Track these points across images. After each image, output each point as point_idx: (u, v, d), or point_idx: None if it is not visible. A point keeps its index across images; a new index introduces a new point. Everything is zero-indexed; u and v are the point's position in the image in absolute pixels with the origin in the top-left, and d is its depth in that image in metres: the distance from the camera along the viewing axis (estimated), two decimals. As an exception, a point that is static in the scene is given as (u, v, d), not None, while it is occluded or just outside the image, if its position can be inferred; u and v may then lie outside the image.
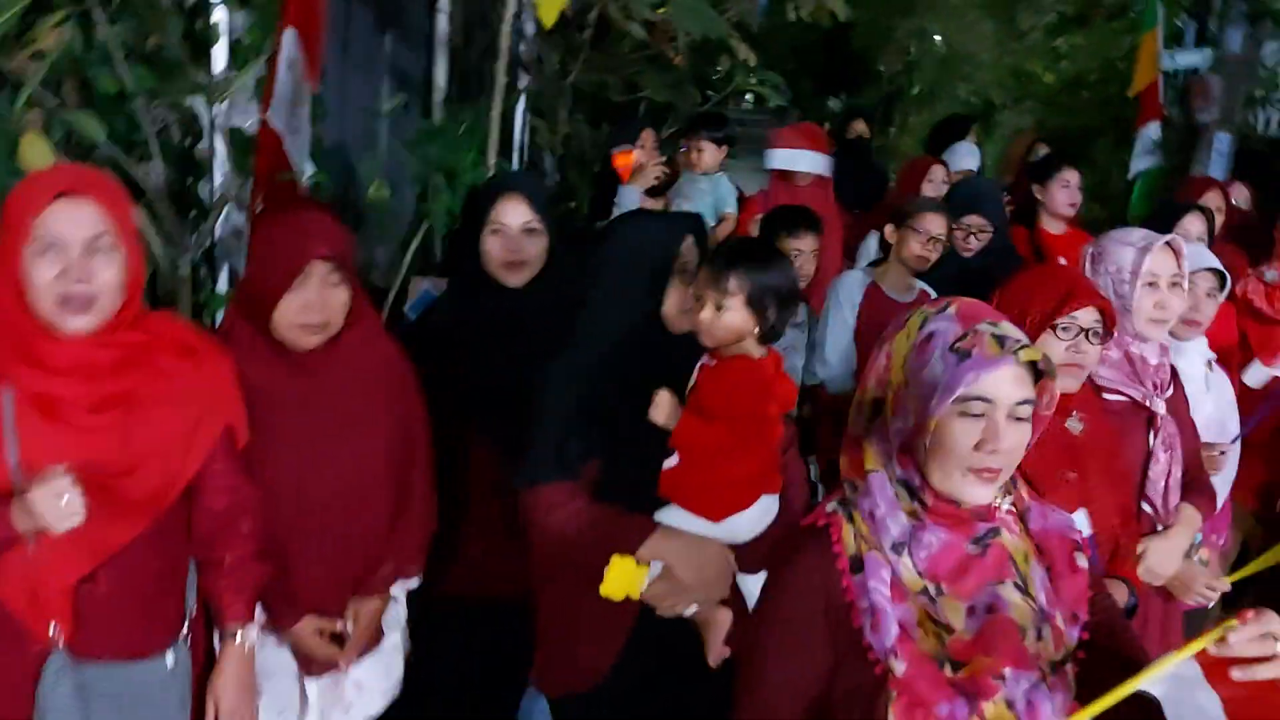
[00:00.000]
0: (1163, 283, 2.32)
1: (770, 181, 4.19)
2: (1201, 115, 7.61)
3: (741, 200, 4.34)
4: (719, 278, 1.99)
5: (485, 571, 2.30)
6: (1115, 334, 2.33)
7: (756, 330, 2.01)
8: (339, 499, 2.04)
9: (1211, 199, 3.98)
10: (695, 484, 1.96)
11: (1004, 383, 1.31)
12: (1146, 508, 2.30)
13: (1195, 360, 2.77)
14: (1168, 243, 2.32)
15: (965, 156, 5.48)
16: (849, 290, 3.24)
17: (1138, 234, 2.37)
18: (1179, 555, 2.27)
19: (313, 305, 1.96)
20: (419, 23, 5.38)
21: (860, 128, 6.02)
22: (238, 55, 2.91)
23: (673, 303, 2.04)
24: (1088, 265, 2.40)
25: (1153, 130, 7.71)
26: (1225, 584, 2.34)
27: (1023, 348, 1.32)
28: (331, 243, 1.99)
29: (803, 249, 3.16)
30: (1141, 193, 7.80)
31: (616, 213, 3.83)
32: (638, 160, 3.95)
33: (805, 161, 3.98)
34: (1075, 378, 2.03)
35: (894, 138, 18.71)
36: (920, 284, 3.34)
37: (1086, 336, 2.02)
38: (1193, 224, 3.22)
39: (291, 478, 2.00)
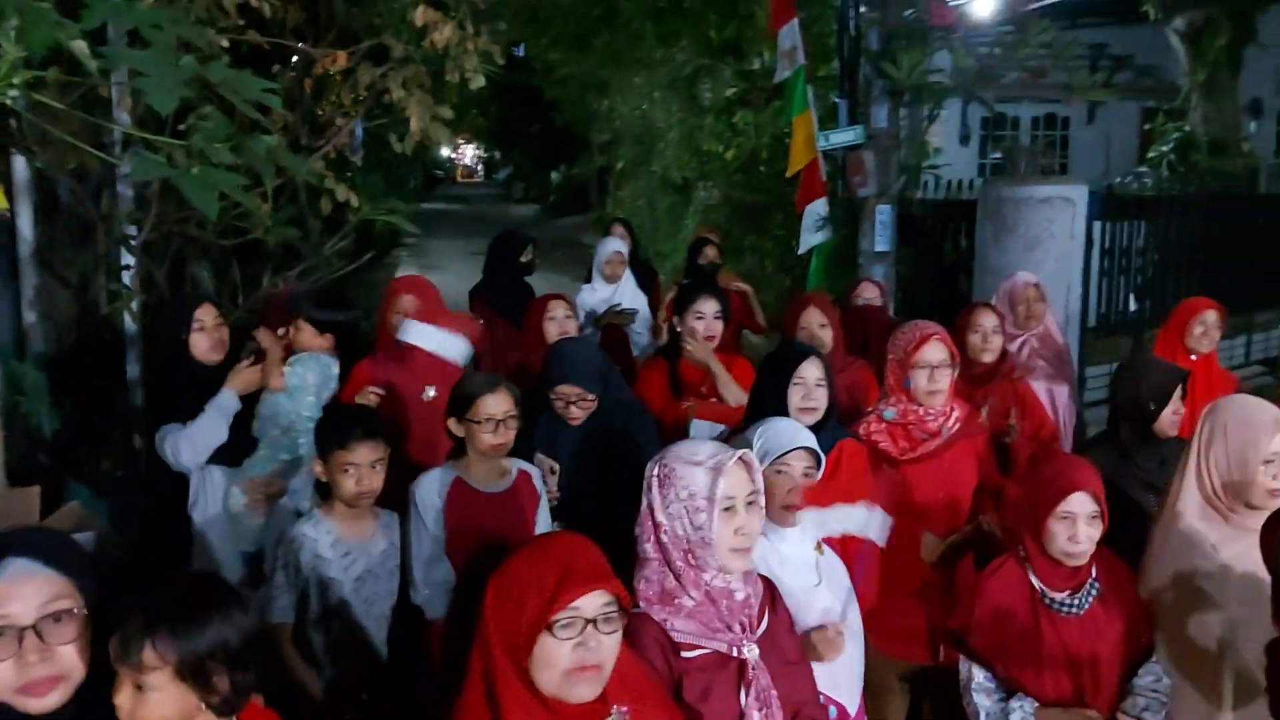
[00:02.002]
0: (740, 504, 1.98)
1: (379, 347, 3.61)
2: (860, 190, 7.82)
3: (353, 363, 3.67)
4: (130, 648, 1.45)
5: None
6: (697, 569, 1.98)
7: (203, 707, 1.49)
8: None
9: (813, 317, 3.85)
10: None
11: None
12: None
13: (803, 546, 2.48)
14: (740, 458, 2.00)
15: (614, 245, 5.43)
16: (427, 494, 2.76)
17: (705, 450, 2.02)
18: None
19: None
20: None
21: (531, 253, 5.66)
22: None
23: None
24: (655, 489, 2.03)
25: (819, 207, 7.91)
26: None
27: None
28: None
29: (358, 462, 2.65)
30: (818, 265, 7.99)
31: (210, 415, 3.15)
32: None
33: (452, 348, 3.47)
34: (590, 684, 1.60)
35: (609, 207, 19.04)
36: (517, 463, 2.92)
37: (595, 627, 1.61)
38: (811, 371, 2.99)
39: None
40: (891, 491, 3.08)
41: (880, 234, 8.01)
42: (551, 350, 3.28)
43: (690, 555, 1.96)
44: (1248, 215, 9.41)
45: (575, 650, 1.58)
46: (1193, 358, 4.14)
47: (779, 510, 2.41)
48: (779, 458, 2.45)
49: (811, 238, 7.92)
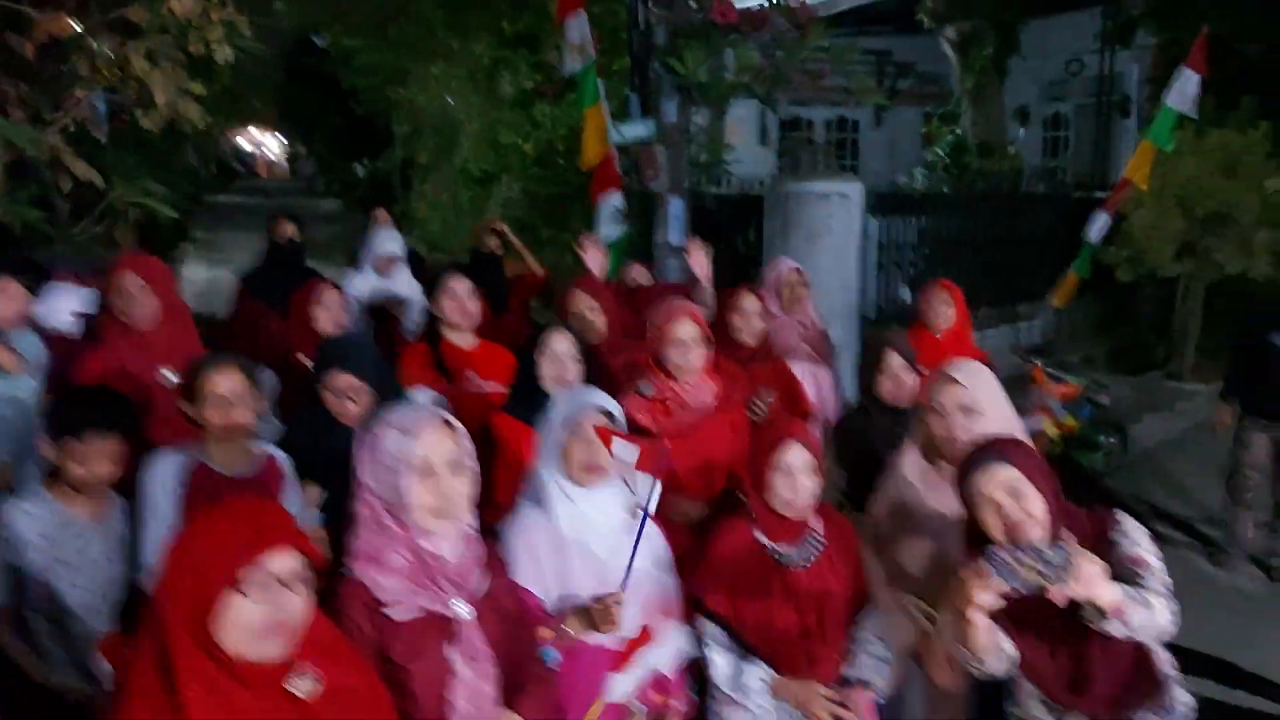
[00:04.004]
0: (440, 467, 1.99)
1: (105, 330, 3.36)
2: (652, 183, 7.98)
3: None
4: None
5: None
6: (403, 529, 1.98)
7: None
8: None
9: (581, 302, 3.93)
10: None
11: None
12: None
13: (613, 509, 2.49)
14: (443, 421, 2.00)
15: (386, 242, 5.28)
16: (162, 477, 2.62)
17: (409, 414, 2.03)
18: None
19: None
20: None
21: (289, 230, 5.45)
22: None
23: None
24: (362, 451, 2.02)
25: (615, 199, 8.00)
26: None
27: None
28: None
29: (91, 452, 2.53)
30: (615, 256, 8.09)
31: None
32: None
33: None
34: (279, 643, 1.58)
35: (414, 203, 18.66)
36: (267, 448, 2.82)
37: (286, 585, 1.58)
38: (560, 344, 3.07)
39: None
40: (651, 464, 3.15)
41: (673, 227, 8.20)
42: (327, 341, 3.18)
43: (394, 516, 1.97)
44: (1011, 213, 10.14)
45: (265, 610, 1.55)
46: (937, 335, 4.55)
47: (580, 472, 2.43)
48: (575, 420, 2.47)
49: (608, 230, 8.01)
